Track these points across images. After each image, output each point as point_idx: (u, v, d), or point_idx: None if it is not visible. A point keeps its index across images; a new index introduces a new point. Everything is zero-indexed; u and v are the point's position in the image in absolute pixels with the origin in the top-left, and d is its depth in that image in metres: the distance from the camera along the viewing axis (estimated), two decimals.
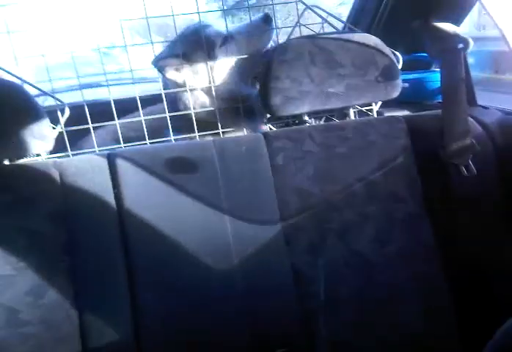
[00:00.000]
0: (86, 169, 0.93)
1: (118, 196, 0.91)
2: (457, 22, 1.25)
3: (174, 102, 1.19)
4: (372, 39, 1.05)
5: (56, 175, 0.91)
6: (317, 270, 0.93)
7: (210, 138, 1.12)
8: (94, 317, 0.87)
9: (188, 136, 1.12)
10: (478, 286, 0.95)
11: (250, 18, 1.23)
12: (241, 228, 0.93)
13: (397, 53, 1.16)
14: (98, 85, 1.36)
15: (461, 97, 1.00)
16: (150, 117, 1.12)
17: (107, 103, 1.08)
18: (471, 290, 0.95)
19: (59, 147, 1.02)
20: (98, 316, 0.87)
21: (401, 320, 0.95)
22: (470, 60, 1.21)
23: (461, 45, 1.05)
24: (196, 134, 1.12)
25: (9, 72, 1.03)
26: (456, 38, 1.07)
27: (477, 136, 1.00)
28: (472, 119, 1.03)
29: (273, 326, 0.92)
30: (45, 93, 1.07)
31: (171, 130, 1.10)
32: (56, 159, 0.96)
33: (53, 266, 0.88)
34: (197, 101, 1.19)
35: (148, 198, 0.92)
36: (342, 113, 1.14)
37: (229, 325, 0.91)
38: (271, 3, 1.25)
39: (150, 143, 1.08)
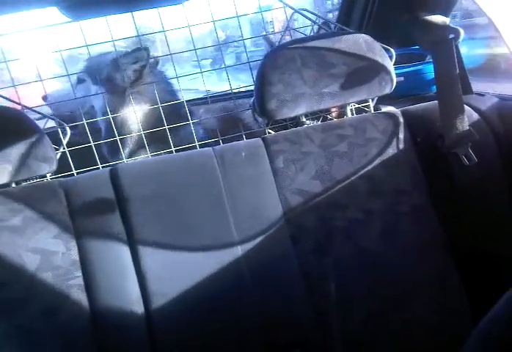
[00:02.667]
0: (90, 186, 0.95)
1: (123, 209, 0.93)
2: (446, 13, 1.26)
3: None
4: (362, 38, 1.06)
5: (61, 195, 0.93)
6: (326, 270, 0.94)
7: None
8: (110, 331, 0.89)
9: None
10: (489, 274, 0.94)
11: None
12: (247, 232, 0.94)
13: (389, 48, 1.16)
14: None
15: (456, 87, 1.00)
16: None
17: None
18: (482, 278, 0.95)
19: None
20: (114, 330, 0.89)
21: (414, 314, 0.94)
22: None
23: (451, 36, 1.05)
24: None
25: (8, 99, 1.06)
26: (446, 29, 1.07)
27: (475, 123, 1.00)
28: (468, 108, 1.02)
29: (287, 327, 0.92)
30: (45, 116, 1.10)
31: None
32: (61, 179, 0.98)
33: (66, 283, 0.90)
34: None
35: (153, 210, 0.94)
36: (339, 111, 1.14)
37: (243, 329, 0.91)
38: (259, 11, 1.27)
39: (151, 156, 1.10)
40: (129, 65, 1.30)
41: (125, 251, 0.92)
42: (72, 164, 1.08)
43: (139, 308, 0.90)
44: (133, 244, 0.92)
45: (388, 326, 0.94)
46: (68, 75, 1.20)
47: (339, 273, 0.94)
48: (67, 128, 1.08)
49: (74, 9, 1.11)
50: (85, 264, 0.91)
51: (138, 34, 1.21)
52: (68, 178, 0.99)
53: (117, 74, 1.30)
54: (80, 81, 1.39)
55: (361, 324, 0.94)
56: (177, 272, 0.92)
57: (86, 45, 1.16)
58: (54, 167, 0.97)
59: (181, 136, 1.27)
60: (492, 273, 0.94)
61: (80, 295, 0.89)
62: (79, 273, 0.90)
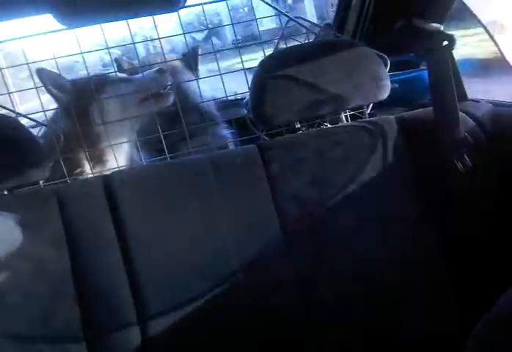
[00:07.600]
0: (83, 193, 0.95)
1: (117, 217, 0.92)
2: (440, 20, 1.27)
3: None
4: (356, 44, 1.06)
5: (54, 202, 0.92)
6: (321, 276, 0.93)
7: None
8: (103, 339, 0.88)
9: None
10: (481, 281, 0.94)
11: None
12: (242, 239, 0.93)
13: (383, 55, 1.17)
14: None
15: (451, 94, 0.99)
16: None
17: None
18: (475, 284, 0.94)
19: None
20: (107, 338, 0.88)
21: (411, 321, 0.94)
22: None
23: (446, 43, 1.05)
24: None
25: (3, 107, 1.06)
26: (441, 36, 1.07)
27: (470, 129, 1.00)
28: (463, 114, 1.02)
29: (284, 334, 0.92)
30: (39, 123, 1.09)
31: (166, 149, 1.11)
32: (54, 186, 0.98)
33: (59, 291, 0.89)
34: None
35: (147, 217, 0.93)
36: (334, 118, 1.14)
37: (239, 336, 0.91)
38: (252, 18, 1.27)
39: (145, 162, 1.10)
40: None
41: (117, 260, 0.91)
42: (65, 171, 1.07)
43: (131, 313, 0.89)
44: (126, 252, 0.91)
45: (385, 332, 0.94)
46: None
47: (335, 278, 0.94)
48: (61, 135, 1.07)
49: (69, 16, 1.11)
50: (77, 272, 0.90)
51: (133, 41, 1.20)
52: (61, 185, 0.99)
53: None
54: None
55: (358, 329, 0.93)
56: (170, 279, 0.91)
57: (82, 53, 1.15)
58: (47, 174, 0.96)
59: None
60: (484, 280, 0.94)
61: (72, 303, 0.88)
62: (71, 281, 0.89)
